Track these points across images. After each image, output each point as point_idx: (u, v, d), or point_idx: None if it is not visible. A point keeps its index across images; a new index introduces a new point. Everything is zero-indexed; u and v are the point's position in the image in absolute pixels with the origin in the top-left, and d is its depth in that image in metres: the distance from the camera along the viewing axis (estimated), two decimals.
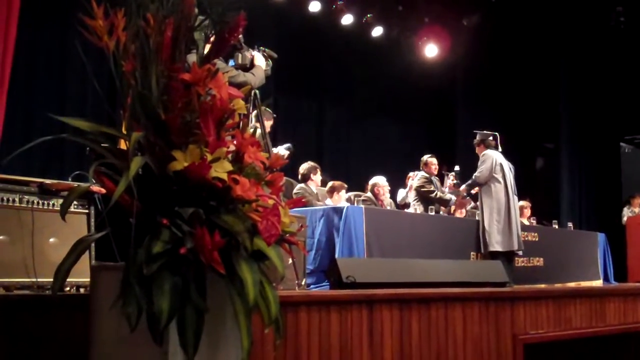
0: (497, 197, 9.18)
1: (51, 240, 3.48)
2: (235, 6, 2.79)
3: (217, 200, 2.42)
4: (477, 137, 9.80)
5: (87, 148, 2.86)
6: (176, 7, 2.67)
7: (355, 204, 8.55)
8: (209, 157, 2.42)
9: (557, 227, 11.81)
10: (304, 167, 9.19)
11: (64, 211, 2.40)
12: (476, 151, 9.73)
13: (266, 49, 5.33)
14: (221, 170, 2.42)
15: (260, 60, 5.11)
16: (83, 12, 2.58)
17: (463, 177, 10.41)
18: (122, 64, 2.53)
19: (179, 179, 2.38)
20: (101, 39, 2.55)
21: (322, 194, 9.34)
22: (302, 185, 9.07)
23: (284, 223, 2.57)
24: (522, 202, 12.26)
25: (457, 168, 11.09)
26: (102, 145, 2.52)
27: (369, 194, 9.77)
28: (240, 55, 4.98)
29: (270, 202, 2.55)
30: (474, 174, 9.49)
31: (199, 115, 2.51)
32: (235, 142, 2.59)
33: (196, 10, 2.75)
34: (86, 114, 8.35)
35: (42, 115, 7.89)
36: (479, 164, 9.47)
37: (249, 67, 5.01)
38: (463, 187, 9.88)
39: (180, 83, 2.53)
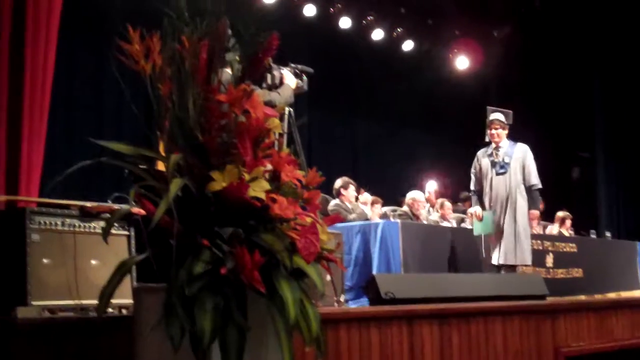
0: None
1: (93, 262, 3.52)
2: (267, 26, 2.82)
3: (256, 220, 2.44)
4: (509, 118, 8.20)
5: (126, 170, 2.89)
6: (210, 29, 2.70)
7: (392, 219, 8.54)
8: (247, 177, 2.44)
9: (595, 237, 11.66)
10: (337, 183, 9.21)
11: (106, 234, 2.44)
12: (504, 135, 7.98)
13: (299, 66, 5.35)
14: (259, 189, 2.44)
15: (289, 78, 5.12)
16: (120, 36, 2.62)
17: None
18: (158, 87, 2.57)
19: (218, 199, 2.41)
20: (138, 63, 2.59)
21: (356, 208, 9.35)
22: (337, 201, 9.08)
23: (322, 240, 2.58)
24: (562, 213, 12.14)
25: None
26: (142, 167, 2.56)
27: (405, 208, 9.75)
28: (269, 75, 5.01)
29: (308, 220, 2.56)
30: (535, 182, 7.89)
31: (236, 136, 2.53)
32: (271, 161, 2.61)
33: (229, 31, 2.78)
34: (123, 135, 8.46)
35: (80, 138, 8.02)
36: (528, 162, 7.90)
37: (278, 85, 5.03)
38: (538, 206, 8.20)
39: (216, 104, 2.56)
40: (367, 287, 4.75)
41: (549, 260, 9.51)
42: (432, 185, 10.64)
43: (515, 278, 6.65)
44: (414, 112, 13.81)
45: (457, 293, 4.78)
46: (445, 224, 9.76)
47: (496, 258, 7.60)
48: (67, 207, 3.61)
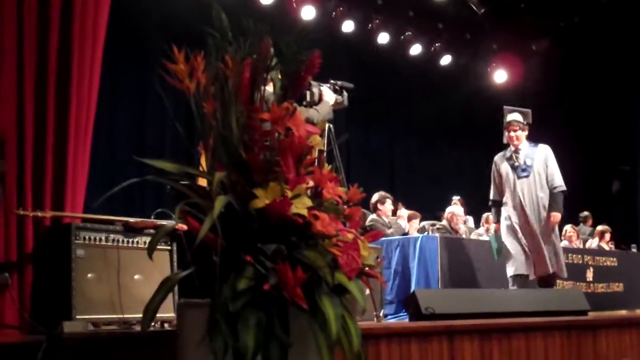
0: None
1: (136, 277, 3.58)
2: (309, 44, 2.85)
3: (298, 236, 2.46)
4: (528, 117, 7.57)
5: (168, 186, 2.94)
6: (253, 48, 2.74)
7: (430, 233, 8.52)
8: (289, 194, 2.46)
9: (635, 251, 11.50)
10: (374, 197, 9.21)
11: (151, 250, 2.47)
12: (524, 137, 7.37)
13: (338, 82, 5.37)
14: (301, 206, 2.46)
15: (328, 95, 5.12)
16: (164, 55, 2.67)
17: None
18: (202, 105, 2.61)
19: (261, 216, 2.43)
20: (182, 82, 2.64)
21: (393, 223, 9.34)
22: (374, 216, 9.09)
23: (363, 256, 2.59)
24: (602, 227, 12.00)
25: None
26: (186, 184, 2.60)
27: (444, 222, 9.72)
28: (308, 92, 5.02)
29: (350, 236, 2.58)
30: (558, 183, 7.23)
31: (279, 153, 2.56)
32: (313, 178, 2.63)
33: (272, 50, 2.81)
34: (164, 151, 8.58)
35: (123, 154, 8.15)
36: (550, 163, 7.30)
37: (317, 102, 5.04)
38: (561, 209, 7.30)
39: (259, 122, 2.60)
40: (407, 302, 4.75)
41: (589, 274, 9.40)
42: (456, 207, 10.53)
43: (556, 293, 6.59)
44: (451, 126, 13.78)
45: (497, 308, 4.76)
46: (485, 238, 9.71)
47: (529, 269, 6.92)
48: (111, 222, 3.68)
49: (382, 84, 12.45)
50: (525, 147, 7.23)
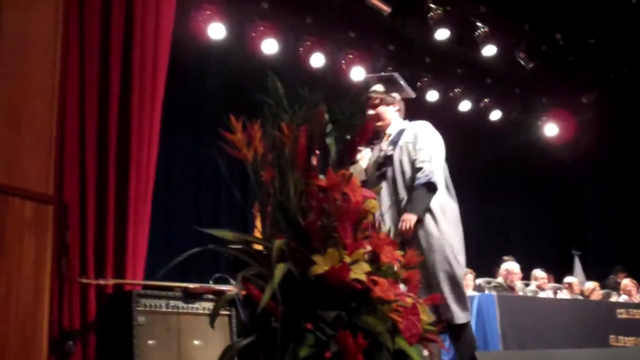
0: None
1: (196, 342, 3.61)
2: (362, 110, 2.89)
3: (358, 302, 2.46)
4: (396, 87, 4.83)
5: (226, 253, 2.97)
6: (308, 115, 2.79)
7: (487, 291, 8.40)
8: (348, 260, 2.47)
9: None
10: None
11: (213, 319, 2.50)
12: (392, 115, 4.75)
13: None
14: (360, 271, 2.46)
15: (367, 156, 5.03)
16: (220, 124, 2.74)
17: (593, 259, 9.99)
18: (260, 173, 2.65)
19: (320, 282, 2.44)
20: (240, 151, 2.69)
21: None
22: None
23: (423, 320, 2.58)
24: None
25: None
26: (246, 252, 2.63)
27: (499, 279, 9.58)
28: None
29: (409, 300, 2.57)
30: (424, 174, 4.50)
31: (336, 219, 2.58)
32: (370, 242, 2.64)
33: (327, 116, 2.85)
34: (220, 215, 8.66)
35: (179, 219, 8.25)
36: (421, 144, 4.56)
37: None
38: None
39: (316, 189, 2.63)
40: None
41: None
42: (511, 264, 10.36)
43: (625, 352, 6.40)
44: (503, 179, 13.67)
45: None
46: (542, 294, 9.53)
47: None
48: (171, 289, 3.73)
49: None
50: (395, 129, 4.60)
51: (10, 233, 2.96)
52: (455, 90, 11.87)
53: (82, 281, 3.83)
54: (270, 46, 8.18)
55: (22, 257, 3.01)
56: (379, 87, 4.56)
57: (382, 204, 4.37)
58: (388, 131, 4.60)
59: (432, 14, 9.43)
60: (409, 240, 4.28)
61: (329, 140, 3.03)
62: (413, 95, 4.97)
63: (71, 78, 4.19)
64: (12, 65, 3.23)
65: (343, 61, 9.67)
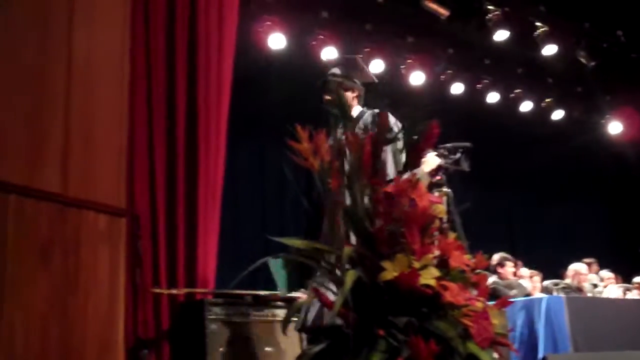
0: None
1: (267, 349, 3.66)
2: (425, 115, 2.89)
3: (428, 307, 2.47)
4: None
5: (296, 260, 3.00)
6: (373, 122, 2.81)
7: (555, 293, 8.28)
8: (417, 265, 2.48)
9: None
10: (494, 259, 9.04)
11: (285, 326, 2.54)
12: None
13: (447, 145, 5.30)
14: (429, 277, 2.47)
15: (431, 161, 4.97)
16: (287, 136, 2.78)
17: None
18: (327, 181, 2.68)
19: (390, 288, 2.46)
20: (307, 160, 2.72)
21: (515, 284, 9.12)
22: (495, 278, 8.91)
23: (494, 325, 2.57)
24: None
25: None
26: (316, 260, 2.65)
27: (567, 280, 9.42)
28: None
29: (479, 304, 2.57)
30: None
31: (404, 225, 2.59)
32: (439, 247, 2.65)
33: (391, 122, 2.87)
34: (285, 222, 8.72)
35: (246, 227, 8.35)
36: None
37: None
38: None
39: (383, 195, 2.64)
40: None
41: None
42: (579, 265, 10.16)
43: None
44: (566, 180, 13.46)
45: None
46: (611, 295, 9.35)
47: None
48: (241, 296, 3.78)
49: (494, 143, 12.32)
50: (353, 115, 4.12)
51: (85, 246, 3.04)
52: (516, 91, 11.74)
53: (155, 291, 3.91)
54: (330, 54, 8.21)
55: (97, 269, 3.09)
56: (337, 71, 4.12)
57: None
58: None
59: (490, 15, 9.36)
60: None
61: (393, 147, 3.05)
62: (374, 79, 4.48)
63: (139, 91, 4.29)
64: (82, 80, 3.32)
65: (402, 67, 9.66)
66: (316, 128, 2.79)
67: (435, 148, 5.07)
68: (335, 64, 4.15)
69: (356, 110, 4.08)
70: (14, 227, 2.80)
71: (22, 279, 2.80)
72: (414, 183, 2.64)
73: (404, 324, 2.35)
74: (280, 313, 3.76)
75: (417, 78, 9.77)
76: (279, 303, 3.77)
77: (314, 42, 8.11)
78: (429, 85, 10.17)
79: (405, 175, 3.12)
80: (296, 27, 7.94)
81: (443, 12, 8.68)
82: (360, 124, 3.85)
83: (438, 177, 4.76)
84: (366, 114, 4.00)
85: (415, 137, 2.86)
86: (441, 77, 10.64)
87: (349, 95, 4.06)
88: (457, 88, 10.93)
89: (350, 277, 2.36)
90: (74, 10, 3.38)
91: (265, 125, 8.71)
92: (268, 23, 7.51)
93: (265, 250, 3.15)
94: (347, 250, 2.45)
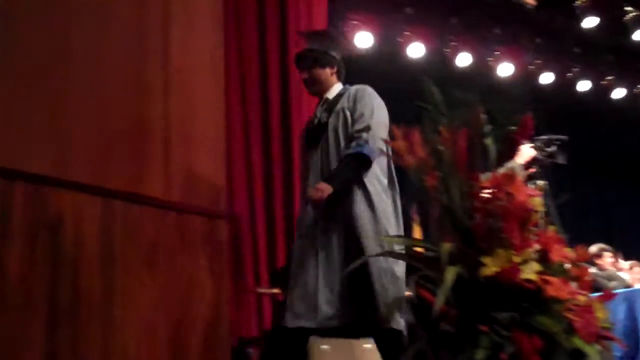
0: None
1: (366, 345, 3.67)
2: (520, 107, 2.87)
3: (530, 302, 2.45)
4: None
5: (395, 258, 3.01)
6: (466, 117, 2.80)
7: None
8: (517, 260, 2.47)
9: None
10: (592, 250, 8.85)
11: (386, 322, 2.55)
12: (328, 78, 3.76)
13: (543, 137, 5.23)
14: (530, 271, 2.45)
15: (525, 152, 4.91)
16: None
17: None
18: (423, 179, 2.69)
19: (491, 284, 2.45)
20: (402, 158, 2.74)
21: (614, 275, 8.90)
22: (594, 269, 8.72)
23: (599, 318, 2.53)
24: None
25: None
26: (412, 256, 2.67)
27: None
28: None
29: (582, 298, 2.54)
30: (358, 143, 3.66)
31: (502, 219, 2.58)
32: (539, 240, 2.62)
33: (484, 117, 2.86)
34: None
35: None
36: (360, 108, 3.70)
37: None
38: None
39: (480, 190, 2.64)
40: None
41: None
42: None
43: None
44: None
45: None
46: None
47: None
48: None
49: (586, 131, 12.05)
50: (332, 94, 3.73)
51: (188, 249, 3.14)
52: (607, 79, 11.45)
53: (257, 291, 3.96)
54: (416, 50, 8.19)
55: (199, 271, 3.18)
56: (313, 45, 3.67)
57: (310, 180, 3.49)
58: (325, 96, 3.69)
59: (578, 2, 9.17)
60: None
61: (488, 141, 3.03)
62: (355, 52, 4.12)
63: (233, 92, 4.36)
64: (180, 85, 3.44)
65: (490, 59, 9.55)
66: (403, 123, 2.80)
67: (530, 140, 5.01)
68: (309, 37, 3.74)
69: (337, 87, 3.70)
70: (121, 233, 2.92)
71: (130, 284, 2.92)
72: (510, 176, 2.63)
73: (507, 319, 2.34)
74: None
75: (505, 69, 9.64)
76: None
77: (400, 39, 8.10)
78: (517, 75, 10.03)
79: (501, 169, 3.15)
80: (382, 25, 7.95)
81: (530, 1, 8.55)
82: (345, 102, 3.58)
83: (532, 169, 4.72)
84: (349, 91, 3.63)
85: (511, 128, 2.85)
86: (530, 67, 10.49)
87: (327, 71, 3.68)
88: (547, 78, 10.75)
89: (451, 273, 2.36)
90: (169, 15, 3.50)
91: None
92: (354, 22, 7.54)
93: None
94: (446, 246, 2.46)
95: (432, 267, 2.58)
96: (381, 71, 8.07)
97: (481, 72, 9.40)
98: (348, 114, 3.53)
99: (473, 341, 2.33)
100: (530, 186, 4.44)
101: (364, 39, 7.66)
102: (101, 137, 2.95)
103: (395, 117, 2.91)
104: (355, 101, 3.54)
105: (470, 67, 9.14)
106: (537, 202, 2.73)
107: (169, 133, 3.23)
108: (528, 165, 4.94)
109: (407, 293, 2.76)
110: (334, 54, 3.67)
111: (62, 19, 2.98)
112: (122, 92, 3.10)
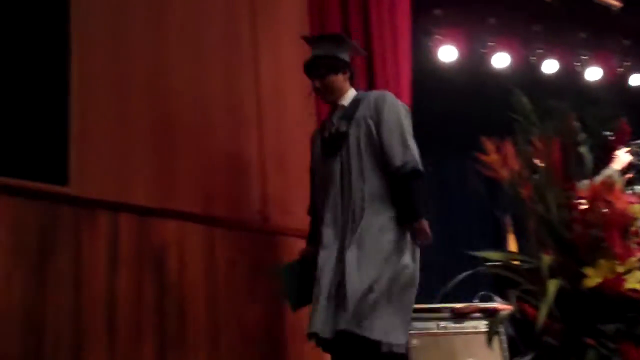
0: None
1: None
2: (612, 112, 2.82)
3: (636, 312, 2.40)
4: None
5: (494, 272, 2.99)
6: (558, 126, 2.77)
7: None
8: (621, 269, 2.42)
9: None
10: None
11: (490, 338, 2.55)
12: (342, 84, 3.38)
13: (636, 142, 5.09)
14: (635, 280, 2.41)
15: (622, 157, 4.77)
16: (477, 149, 2.79)
17: None
18: (519, 191, 2.67)
19: (594, 295, 2.41)
20: (496, 172, 2.72)
21: None
22: None
23: None
24: None
25: None
26: (511, 269, 2.64)
27: None
28: None
29: None
30: (405, 159, 3.22)
31: (603, 228, 2.54)
32: None
33: (577, 124, 2.82)
34: (472, 239, 8.63)
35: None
36: (386, 116, 3.29)
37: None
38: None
39: (577, 200, 2.60)
40: None
41: None
42: None
43: None
44: None
45: None
46: None
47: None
48: (439, 310, 3.80)
49: None
50: (348, 100, 3.42)
51: None
52: None
53: None
54: (501, 60, 8.10)
55: None
56: (320, 52, 3.37)
57: (330, 192, 3.17)
58: (340, 102, 3.37)
59: None
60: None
61: (583, 149, 2.99)
62: (364, 53, 3.77)
63: (322, 107, 4.39)
64: (272, 104, 3.51)
65: (577, 64, 9.37)
66: (499, 137, 2.79)
67: (625, 145, 4.89)
68: (313, 43, 3.44)
69: (351, 93, 3.38)
70: (223, 259, 3.00)
71: (234, 307, 2.99)
72: (609, 184, 2.59)
73: (613, 331, 2.30)
74: (478, 325, 3.74)
75: (593, 74, 9.45)
76: (476, 314, 3.76)
77: (483, 50, 8.03)
78: (606, 79, 9.81)
79: (598, 177, 3.07)
80: (465, 37, 7.90)
81: (616, 3, 8.36)
82: (365, 110, 3.28)
83: (630, 175, 4.61)
84: (368, 98, 3.33)
85: (606, 134, 2.81)
86: (618, 69, 10.25)
87: (341, 77, 3.37)
88: (637, 79, 10.50)
89: (553, 286, 2.33)
90: (256, 29, 3.58)
91: (445, 138, 8.67)
92: (437, 37, 7.50)
93: (458, 263, 3.15)
94: (546, 259, 2.43)
95: (532, 281, 2.55)
96: (467, 84, 8.03)
97: (569, 78, 9.24)
98: (371, 123, 3.25)
99: (579, 355, 2.30)
100: (629, 193, 4.33)
101: (448, 53, 7.62)
102: (201, 168, 3.07)
103: (485, 130, 2.87)
104: (378, 111, 3.25)
105: (557, 74, 8.99)
106: (638, 209, 2.68)
107: (263, 157, 3.31)
108: (625, 171, 4.82)
109: (503, 306, 2.73)
110: (344, 57, 3.39)
111: (162, 56, 3.12)
112: (220, 123, 3.22)
